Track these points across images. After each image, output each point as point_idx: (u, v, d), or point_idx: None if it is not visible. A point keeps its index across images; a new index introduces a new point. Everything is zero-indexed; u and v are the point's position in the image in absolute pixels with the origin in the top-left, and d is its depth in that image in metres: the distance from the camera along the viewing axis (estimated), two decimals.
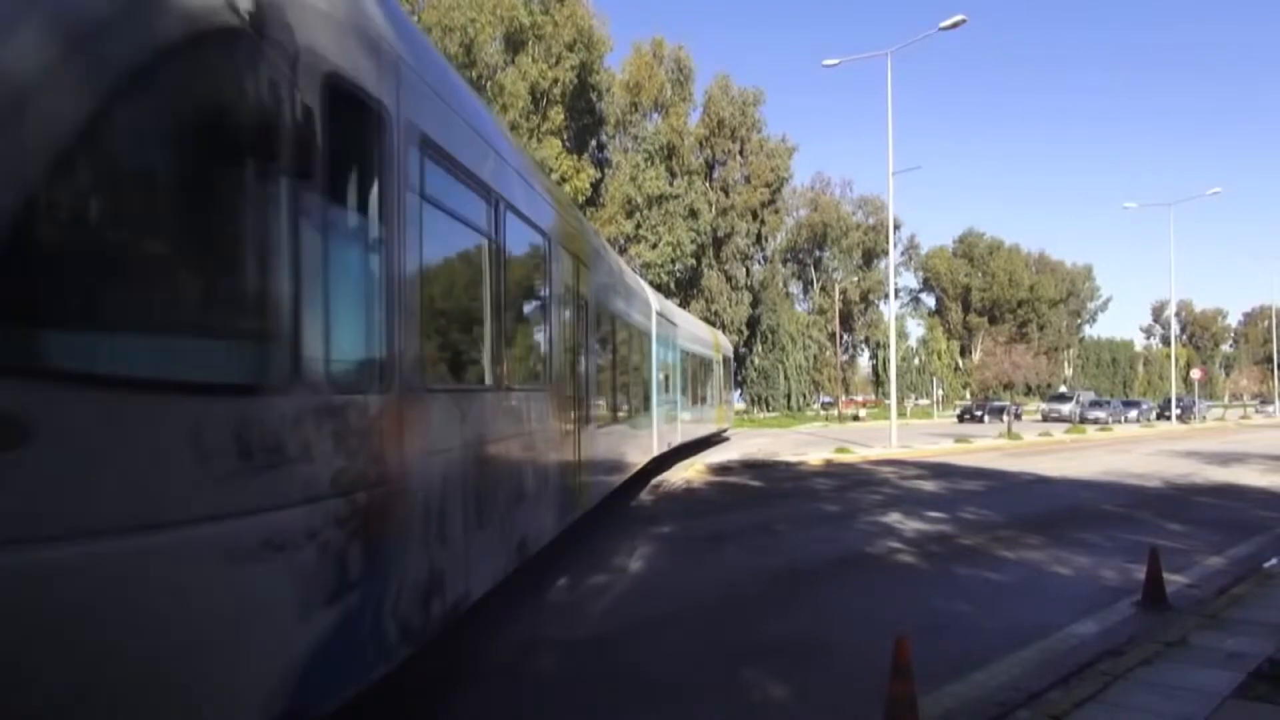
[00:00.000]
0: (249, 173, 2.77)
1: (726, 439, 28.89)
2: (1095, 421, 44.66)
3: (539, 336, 6.86)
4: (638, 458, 13.29)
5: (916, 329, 72.85)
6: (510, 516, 5.62)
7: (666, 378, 16.85)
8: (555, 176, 35.08)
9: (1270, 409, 64.69)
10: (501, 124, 7.87)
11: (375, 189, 3.54)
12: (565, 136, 38.66)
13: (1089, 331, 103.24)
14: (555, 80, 37.15)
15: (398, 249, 3.71)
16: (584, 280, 8.69)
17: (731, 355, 33.19)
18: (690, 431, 20.25)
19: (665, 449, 16.46)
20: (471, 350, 5.17)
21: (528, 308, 6.61)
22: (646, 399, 14.38)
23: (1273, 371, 75.20)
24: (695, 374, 21.34)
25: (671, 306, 20.26)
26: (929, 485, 16.17)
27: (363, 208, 3.50)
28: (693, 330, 21.97)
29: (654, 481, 15.64)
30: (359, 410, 3.36)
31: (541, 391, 6.72)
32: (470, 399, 4.92)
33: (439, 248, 4.44)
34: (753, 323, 53.25)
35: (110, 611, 2.25)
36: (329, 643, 3.07)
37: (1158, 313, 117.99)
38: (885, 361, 46.44)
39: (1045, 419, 48.49)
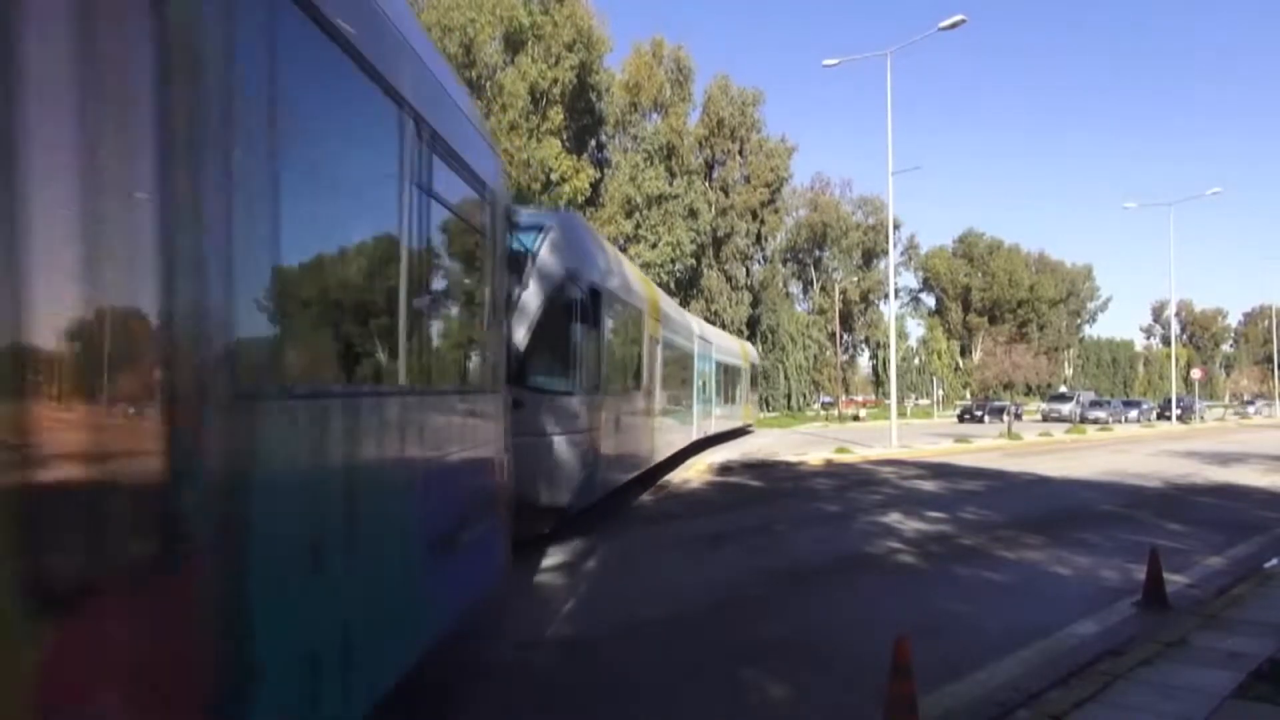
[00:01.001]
0: (573, 323, 9.29)
1: (750, 432, 32.86)
2: (1095, 421, 44.66)
3: (638, 362, 13.11)
4: (683, 440, 18.85)
5: (916, 329, 73.09)
6: (627, 452, 12.14)
7: (704, 384, 21.77)
8: (555, 176, 35.09)
9: (1249, 409, 64.35)
10: (633, 268, 14.76)
11: (602, 321, 10.04)
12: (565, 136, 38.64)
13: (1089, 331, 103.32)
14: (555, 80, 37.15)
15: (603, 338, 10.13)
16: (656, 328, 14.72)
17: (757, 362, 37.91)
18: (721, 424, 25.03)
19: (701, 435, 21.65)
20: (620, 373, 11.72)
21: (635, 348, 12.97)
22: (690, 399, 19.65)
23: (1273, 371, 75.19)
24: (726, 380, 26.06)
25: (710, 329, 26.17)
26: (929, 485, 16.16)
27: (596, 327, 9.87)
28: (725, 345, 26.84)
29: (658, 483, 15.64)
30: (591, 400, 9.66)
31: (640, 393, 13.20)
32: (618, 396, 11.42)
33: (613, 333, 11.03)
34: (753, 323, 53.26)
35: (546, 452, 8.79)
36: (585, 480, 9.37)
37: (1158, 313, 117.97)
38: (885, 361, 46.45)
39: (1045, 419, 48.50)
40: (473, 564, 4.90)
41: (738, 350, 29.87)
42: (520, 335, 8.66)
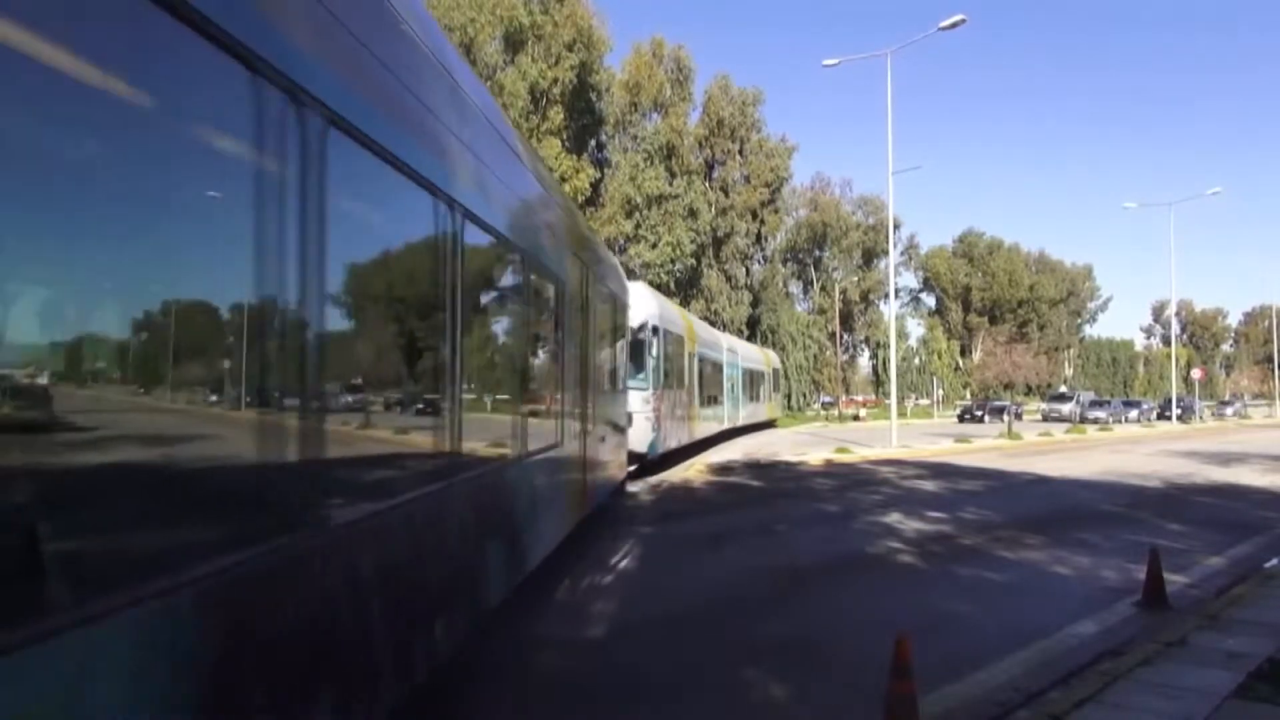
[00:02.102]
0: (645, 347, 15.65)
1: (774, 426, 37.71)
2: (1095, 421, 44.64)
3: (682, 370, 19.28)
4: (716, 427, 25.19)
5: (916, 329, 72.96)
6: (677, 428, 18.57)
7: (733, 386, 28.17)
8: (555, 176, 35.06)
9: (1227, 410, 63.77)
10: (677, 308, 22.59)
11: (655, 345, 16.14)
12: (565, 136, 38.63)
13: (1089, 331, 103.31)
14: (555, 80, 37.14)
15: (660, 354, 16.46)
16: (694, 347, 20.91)
17: (780, 367, 44.98)
18: (747, 418, 31.37)
19: (731, 425, 27.86)
20: (672, 378, 17.84)
21: (680, 361, 19.03)
22: (722, 397, 26.21)
23: (1273, 371, 75.15)
24: (751, 383, 32.55)
25: (739, 343, 33.29)
26: (929, 485, 16.17)
27: (658, 350, 16.24)
28: (750, 355, 33.95)
29: (654, 481, 15.66)
30: (658, 393, 16.13)
31: (684, 391, 19.39)
32: (671, 392, 17.71)
33: (667, 352, 17.19)
34: (753, 323, 53.26)
35: (632, 420, 13.72)
36: (653, 440, 15.92)
37: (1158, 313, 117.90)
38: (885, 361, 46.46)
39: (1045, 419, 48.48)
40: (618, 467, 11.51)
41: (762, 359, 36.95)
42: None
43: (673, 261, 42.15)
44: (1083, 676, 4.95)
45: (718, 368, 25.23)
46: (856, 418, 49.51)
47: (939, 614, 6.64)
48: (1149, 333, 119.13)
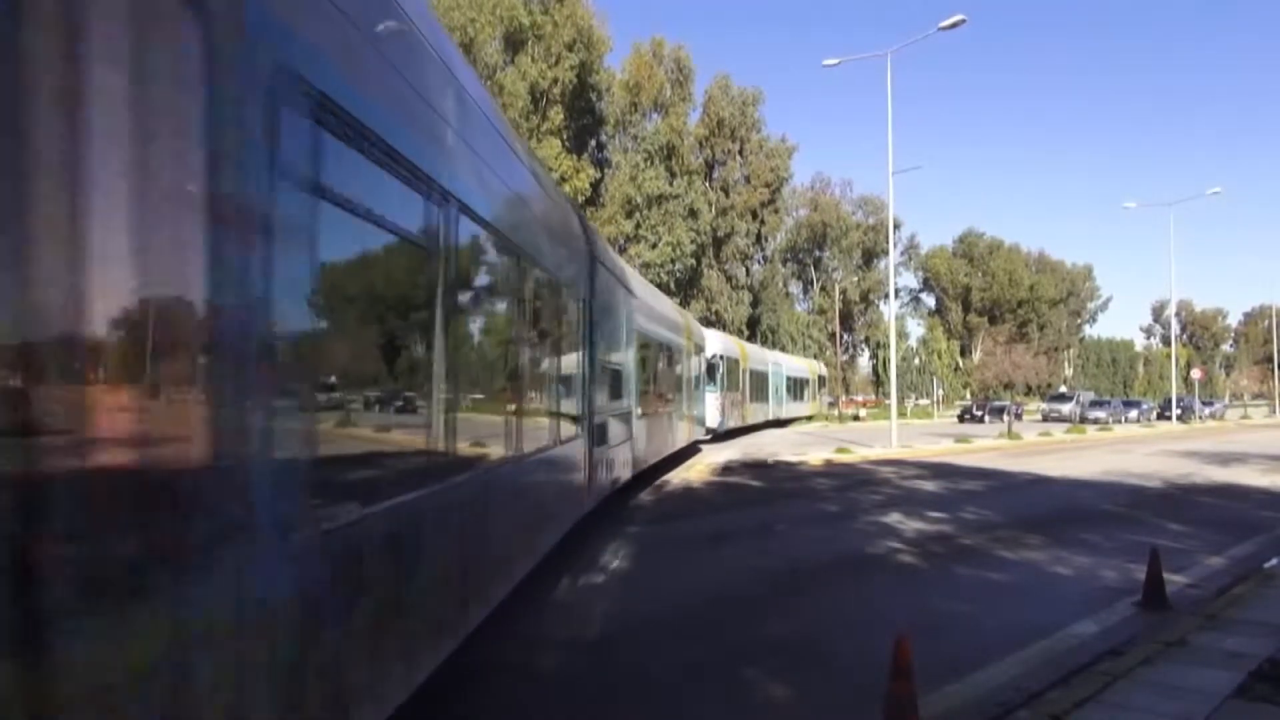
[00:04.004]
0: (715, 368, 25.41)
1: (813, 419, 45.14)
2: (1095, 421, 44.60)
3: (738, 380, 29.56)
4: (763, 416, 34.38)
5: (916, 329, 72.93)
6: (735, 415, 29.03)
7: (777, 388, 37.24)
8: (555, 176, 35.09)
9: (1206, 410, 63.10)
10: (737, 341, 33.53)
11: (720, 366, 25.97)
12: (565, 136, 38.66)
13: (1089, 331, 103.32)
14: (555, 80, 37.18)
15: (723, 371, 26.29)
16: (746, 364, 31.01)
17: (823, 373, 51.51)
18: (788, 412, 39.73)
19: (775, 417, 36.85)
20: (731, 384, 27.91)
21: (736, 374, 29.22)
22: (768, 397, 35.30)
23: (1273, 371, 75.15)
24: (792, 386, 40.73)
25: (783, 356, 41.72)
26: (929, 485, 16.17)
27: (721, 370, 25.97)
28: (793, 365, 42.39)
29: (659, 483, 15.66)
30: (721, 394, 26.15)
31: (738, 393, 29.64)
32: (729, 393, 27.44)
33: (726, 370, 26.89)
34: (753, 322, 53.30)
35: (707, 407, 24.85)
36: (720, 420, 26.15)
37: (1158, 313, 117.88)
38: (885, 361, 46.43)
39: (1045, 419, 48.45)
40: (701, 430, 23.10)
41: (805, 368, 45.49)
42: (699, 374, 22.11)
43: (673, 261, 42.20)
44: (1083, 676, 4.95)
45: (764, 376, 34.70)
46: (856, 418, 49.48)
47: (939, 614, 6.65)
48: (1149, 333, 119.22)
